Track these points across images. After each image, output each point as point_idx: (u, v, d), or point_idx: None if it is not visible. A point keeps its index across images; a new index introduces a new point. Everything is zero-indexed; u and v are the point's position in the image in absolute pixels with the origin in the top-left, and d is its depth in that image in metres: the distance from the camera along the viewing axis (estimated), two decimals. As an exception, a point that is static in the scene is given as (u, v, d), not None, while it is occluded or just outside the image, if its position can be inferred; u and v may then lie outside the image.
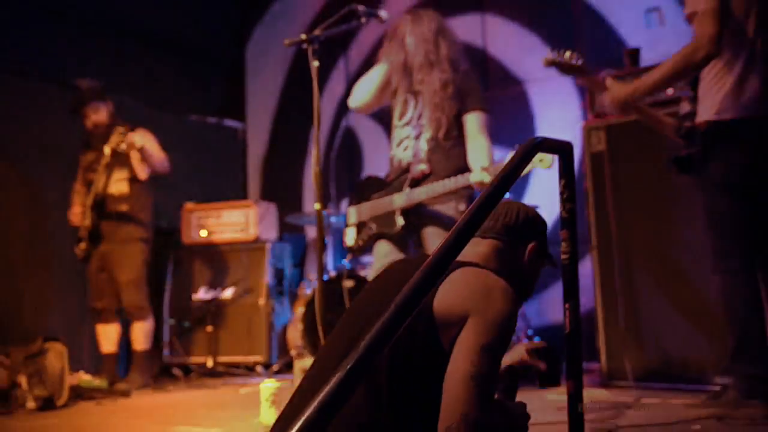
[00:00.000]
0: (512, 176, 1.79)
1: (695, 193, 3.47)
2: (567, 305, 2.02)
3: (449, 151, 3.94)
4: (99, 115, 5.22)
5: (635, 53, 4.27)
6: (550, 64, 3.42)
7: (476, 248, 2.13)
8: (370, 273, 4.14)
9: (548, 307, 6.18)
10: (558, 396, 3.97)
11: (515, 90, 6.52)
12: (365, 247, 4.13)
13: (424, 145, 3.95)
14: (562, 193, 2.00)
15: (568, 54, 3.48)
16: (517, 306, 1.99)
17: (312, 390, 2.02)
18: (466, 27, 6.80)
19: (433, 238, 3.83)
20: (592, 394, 3.76)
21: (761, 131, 3.13)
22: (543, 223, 2.34)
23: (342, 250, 6.10)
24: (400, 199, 3.89)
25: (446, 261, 1.49)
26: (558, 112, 6.29)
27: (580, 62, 3.33)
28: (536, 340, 5.13)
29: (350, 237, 4.14)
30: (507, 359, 2.25)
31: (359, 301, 2.26)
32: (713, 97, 3.18)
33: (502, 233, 2.18)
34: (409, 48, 3.98)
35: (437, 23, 4.00)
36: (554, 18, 6.41)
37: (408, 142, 4.02)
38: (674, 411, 3.24)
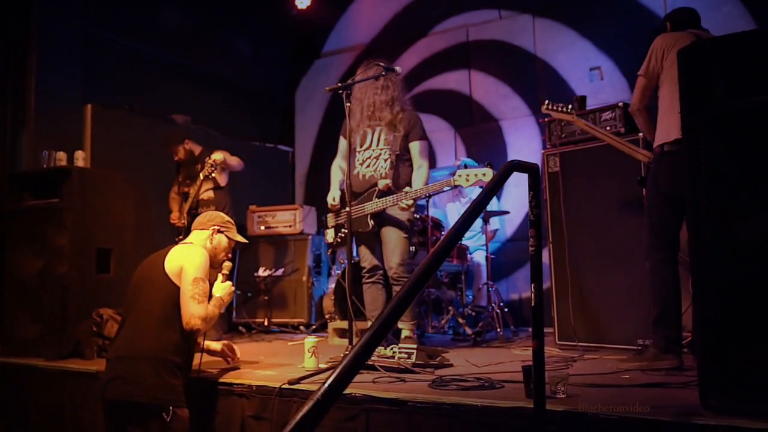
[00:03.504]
0: (495, 188, 1.79)
1: (627, 203, 3.47)
2: (533, 285, 2.02)
3: (402, 171, 3.96)
4: (194, 147, 5.24)
5: (583, 99, 4.25)
6: (547, 111, 3.49)
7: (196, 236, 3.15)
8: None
9: (514, 285, 6.17)
10: (521, 351, 3.98)
11: (493, 126, 6.52)
12: (341, 243, 4.07)
13: (384, 165, 3.93)
14: (530, 202, 2.00)
15: (561, 106, 3.60)
16: (206, 258, 2.95)
17: (127, 328, 2.89)
18: (457, 79, 6.82)
19: (390, 234, 3.89)
20: (547, 352, 3.71)
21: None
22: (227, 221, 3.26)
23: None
24: (371, 207, 3.86)
25: (448, 249, 1.49)
26: (524, 142, 6.28)
27: (572, 110, 3.38)
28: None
29: (330, 236, 4.11)
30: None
31: (139, 274, 2.98)
32: (664, 126, 3.17)
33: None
34: (375, 90, 3.95)
35: (392, 75, 3.84)
36: (522, 73, 6.41)
37: (370, 161, 3.98)
38: (610, 364, 3.22)
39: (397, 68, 3.63)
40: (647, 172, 3.39)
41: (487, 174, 3.47)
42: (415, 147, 3.96)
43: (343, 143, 4.12)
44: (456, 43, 6.87)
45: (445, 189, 3.80)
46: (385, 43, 7.41)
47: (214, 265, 3.11)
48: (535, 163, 1.96)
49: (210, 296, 2.92)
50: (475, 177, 3.47)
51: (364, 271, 4.05)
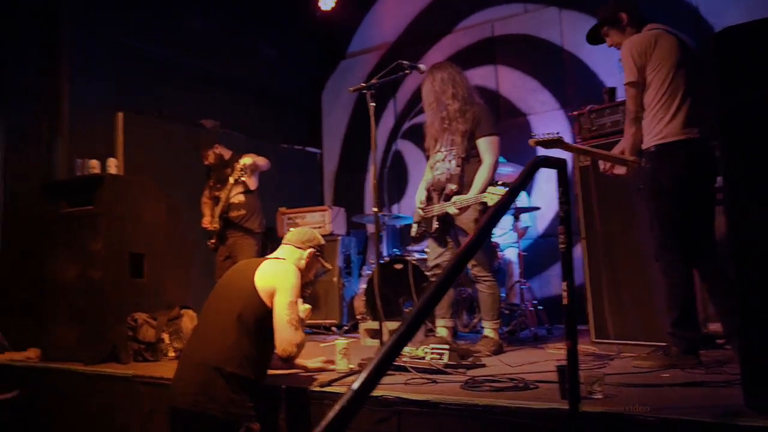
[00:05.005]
0: (520, 186, 1.74)
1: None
2: (565, 283, 1.96)
3: (468, 170, 3.91)
4: (224, 152, 5.27)
5: (612, 91, 4.14)
6: (536, 144, 3.22)
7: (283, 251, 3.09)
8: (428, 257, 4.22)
9: (547, 283, 6.08)
10: (556, 350, 3.90)
11: (520, 120, 6.44)
12: (419, 239, 4.18)
13: (449, 166, 3.93)
14: (559, 198, 1.94)
15: (547, 134, 3.39)
16: (299, 278, 2.87)
17: (198, 335, 2.84)
18: (483, 75, 6.74)
19: (461, 240, 3.94)
20: (583, 350, 3.66)
21: (692, 149, 3.06)
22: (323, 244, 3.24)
23: (392, 241, 6.13)
24: (437, 209, 3.95)
25: (473, 249, 1.45)
26: (554, 136, 6.17)
27: (557, 134, 3.23)
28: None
29: (413, 230, 4.17)
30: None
31: (224, 282, 2.94)
32: (656, 127, 3.10)
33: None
34: (424, 94, 4.03)
35: (444, 72, 3.99)
36: (549, 67, 6.31)
37: (439, 165, 4.01)
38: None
39: (422, 66, 3.60)
40: (641, 177, 3.24)
41: None
42: (480, 144, 3.91)
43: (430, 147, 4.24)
44: (481, 38, 6.80)
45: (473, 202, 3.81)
46: (409, 42, 7.37)
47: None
48: (562, 158, 1.90)
49: None
50: (500, 197, 3.52)
51: (429, 267, 4.15)
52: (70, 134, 5.29)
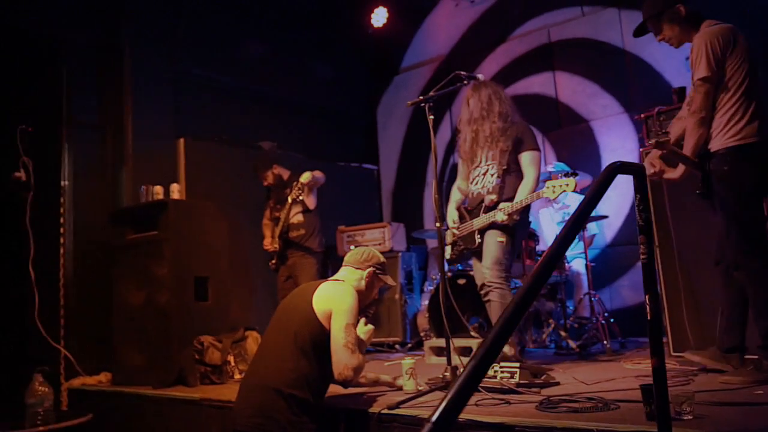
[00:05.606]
0: (598, 194, 1.63)
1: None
2: (647, 296, 1.83)
3: (509, 183, 3.87)
4: (283, 172, 5.30)
5: (682, 90, 3.92)
6: (657, 145, 3.06)
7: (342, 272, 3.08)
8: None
9: (618, 294, 5.83)
10: (633, 366, 3.70)
11: (582, 127, 6.24)
12: (458, 260, 4.13)
13: (491, 179, 3.89)
14: (638, 206, 1.82)
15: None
16: (357, 300, 2.80)
17: (259, 358, 2.83)
18: (541, 83, 6.59)
19: (486, 240, 3.87)
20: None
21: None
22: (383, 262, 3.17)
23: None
24: (478, 222, 3.86)
25: (551, 265, 1.35)
26: (618, 141, 5.96)
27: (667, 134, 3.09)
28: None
29: (447, 253, 4.09)
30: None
31: (285, 304, 2.92)
32: (734, 127, 2.90)
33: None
34: (470, 107, 4.01)
35: (491, 88, 4.00)
36: (611, 70, 6.10)
37: (479, 179, 3.99)
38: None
39: (480, 76, 3.54)
40: (706, 180, 3.03)
41: (570, 184, 3.49)
42: (523, 158, 3.89)
43: (460, 165, 4.24)
44: (537, 45, 6.66)
45: (536, 201, 3.79)
46: (463, 53, 7.29)
47: (360, 308, 2.92)
48: (640, 164, 1.78)
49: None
50: (560, 188, 3.50)
51: (478, 288, 3.99)
52: (134, 162, 5.44)
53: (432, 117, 3.36)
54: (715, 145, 2.96)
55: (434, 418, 0.96)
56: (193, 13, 6.24)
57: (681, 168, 3.14)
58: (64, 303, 4.88)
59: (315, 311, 2.73)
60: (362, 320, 2.97)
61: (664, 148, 2.99)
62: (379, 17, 7.27)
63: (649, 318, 1.80)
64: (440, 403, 0.99)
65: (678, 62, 5.53)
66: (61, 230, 5.01)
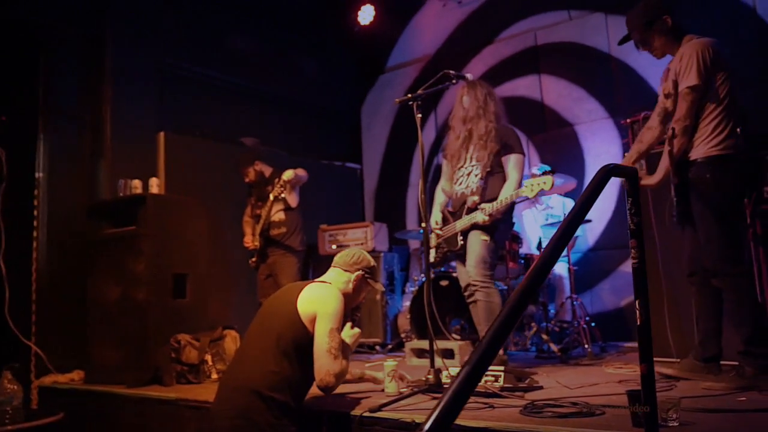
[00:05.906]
0: (592, 198, 1.60)
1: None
2: (638, 301, 1.81)
3: (492, 185, 3.88)
4: (265, 169, 5.22)
5: (667, 97, 3.93)
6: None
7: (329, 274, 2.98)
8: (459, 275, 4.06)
9: (599, 298, 5.85)
10: (615, 370, 3.70)
11: (567, 131, 6.25)
12: (441, 262, 4.13)
13: (474, 180, 3.89)
14: (630, 209, 1.80)
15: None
16: (343, 303, 2.73)
17: (239, 359, 2.76)
18: (527, 85, 6.59)
19: (469, 240, 3.86)
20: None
21: (746, 163, 2.98)
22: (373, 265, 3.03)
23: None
24: (461, 224, 3.87)
25: (546, 268, 1.31)
26: (603, 146, 5.98)
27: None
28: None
29: (431, 255, 4.06)
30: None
31: (269, 304, 2.84)
32: (717, 137, 2.93)
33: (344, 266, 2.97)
34: (465, 105, 4.01)
35: (486, 89, 4.01)
36: (596, 74, 6.11)
37: (462, 179, 3.99)
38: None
39: (469, 75, 3.52)
40: (682, 188, 3.08)
41: (547, 182, 3.51)
42: (509, 161, 3.91)
43: (444, 165, 4.22)
44: (524, 48, 6.65)
45: (517, 201, 3.83)
46: (450, 53, 7.27)
47: (346, 311, 2.85)
48: (634, 167, 1.76)
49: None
50: (538, 186, 3.52)
51: (463, 290, 3.98)
52: (112, 155, 5.32)
53: (420, 115, 3.32)
54: (695, 154, 2.98)
55: (427, 426, 0.91)
56: (180, 5, 6.13)
57: (658, 175, 3.15)
58: (36, 298, 4.75)
59: (299, 313, 2.66)
60: (348, 324, 2.91)
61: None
62: (366, 15, 7.22)
63: (639, 324, 1.78)
64: (434, 410, 0.94)
65: (662, 70, 5.56)
66: (35, 223, 4.87)
